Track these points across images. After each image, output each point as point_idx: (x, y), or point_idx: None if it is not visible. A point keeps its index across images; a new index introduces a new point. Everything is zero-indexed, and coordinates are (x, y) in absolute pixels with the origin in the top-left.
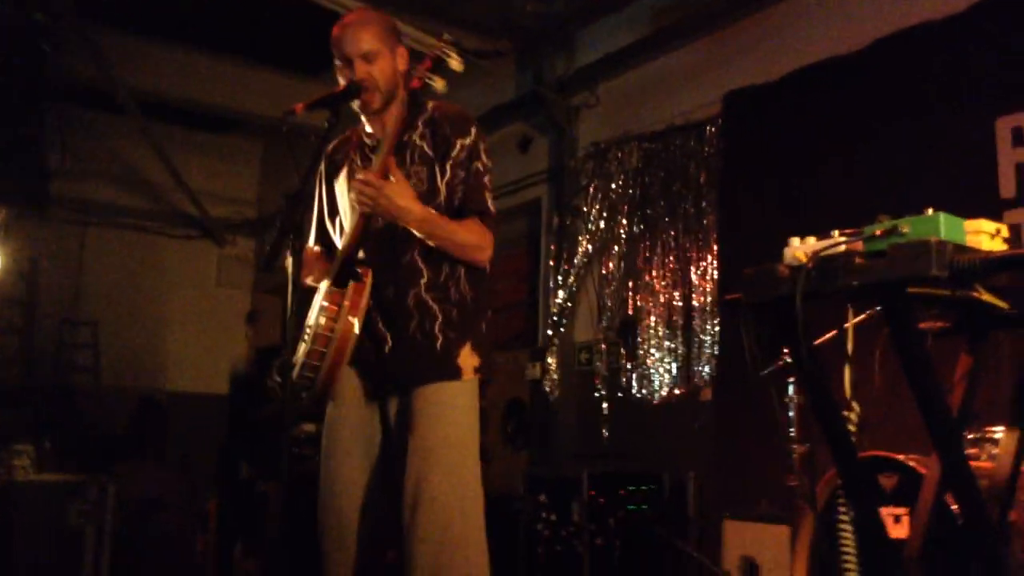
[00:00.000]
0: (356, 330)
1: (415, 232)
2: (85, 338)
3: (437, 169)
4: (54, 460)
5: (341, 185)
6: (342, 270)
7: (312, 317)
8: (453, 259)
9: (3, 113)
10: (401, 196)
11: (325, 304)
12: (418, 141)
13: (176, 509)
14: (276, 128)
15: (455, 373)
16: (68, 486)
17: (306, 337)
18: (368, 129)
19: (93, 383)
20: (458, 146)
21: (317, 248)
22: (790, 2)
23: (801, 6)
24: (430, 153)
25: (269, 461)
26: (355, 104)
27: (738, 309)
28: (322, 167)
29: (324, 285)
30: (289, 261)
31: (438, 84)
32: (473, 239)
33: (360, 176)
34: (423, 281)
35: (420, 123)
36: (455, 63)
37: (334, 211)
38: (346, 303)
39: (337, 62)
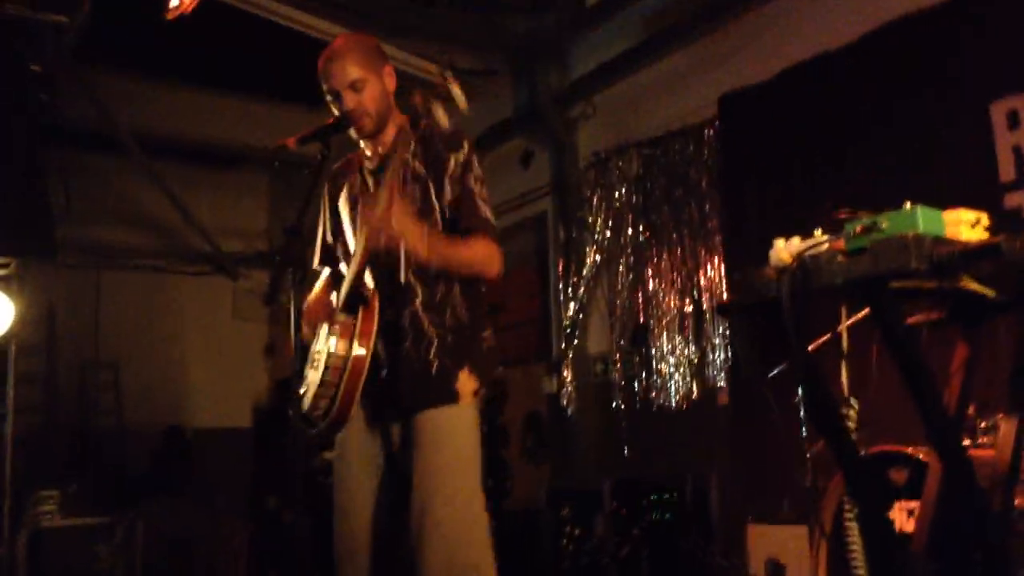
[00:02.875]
0: (368, 356)
1: (423, 258)
2: (106, 380)
3: (432, 186)
4: (80, 504)
5: (344, 207)
6: (351, 295)
7: (320, 344)
8: (448, 278)
9: (5, 165)
10: (409, 232)
11: (336, 330)
12: (411, 160)
13: (207, 545)
14: (282, 162)
15: (453, 398)
16: (96, 528)
17: (316, 365)
18: (367, 152)
19: (116, 424)
20: (452, 161)
21: (318, 292)
22: (777, 2)
23: (791, 4)
24: (423, 172)
25: (296, 492)
26: (351, 132)
27: (730, 314)
28: (325, 190)
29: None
30: (292, 295)
31: (441, 119)
32: (481, 256)
33: (373, 221)
34: (418, 301)
35: (413, 142)
36: (460, 101)
37: (337, 233)
38: (357, 329)
39: (326, 95)
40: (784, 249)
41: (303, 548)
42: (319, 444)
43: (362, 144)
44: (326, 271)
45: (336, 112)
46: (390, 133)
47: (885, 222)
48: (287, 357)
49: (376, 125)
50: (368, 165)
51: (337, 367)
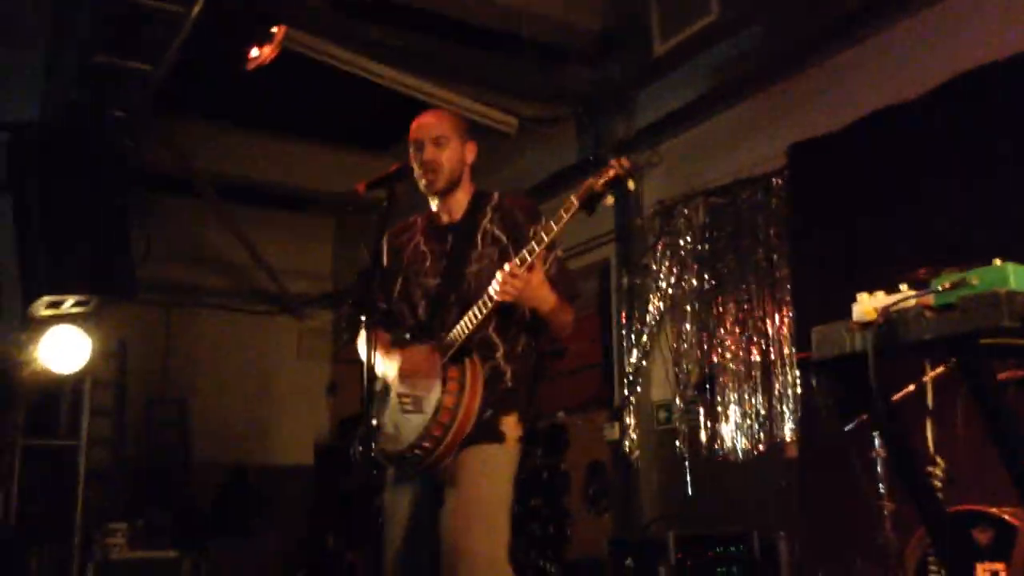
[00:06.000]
0: (478, 404)
1: (544, 315)
2: (173, 415)
3: (511, 251)
4: (148, 538)
5: (407, 262)
6: (459, 350)
7: (414, 387)
8: (525, 333)
9: (92, 207)
10: (545, 288)
11: (447, 378)
12: (488, 226)
13: None
14: (347, 206)
15: (499, 437)
16: (163, 563)
17: (407, 408)
18: (442, 215)
19: (182, 460)
20: (531, 232)
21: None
22: (847, 52)
23: (861, 55)
24: (502, 238)
25: (355, 531)
26: (421, 184)
27: (809, 368)
28: (386, 245)
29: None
30: (362, 336)
31: (608, 200)
32: (569, 319)
33: (508, 269)
34: (498, 354)
35: (489, 209)
36: (631, 185)
37: (391, 285)
38: (468, 379)
39: (411, 146)
40: (868, 303)
41: None
42: (383, 485)
43: (433, 206)
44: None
45: (415, 163)
46: (461, 200)
47: (975, 278)
48: (352, 394)
49: (446, 184)
50: (438, 223)
51: (448, 410)
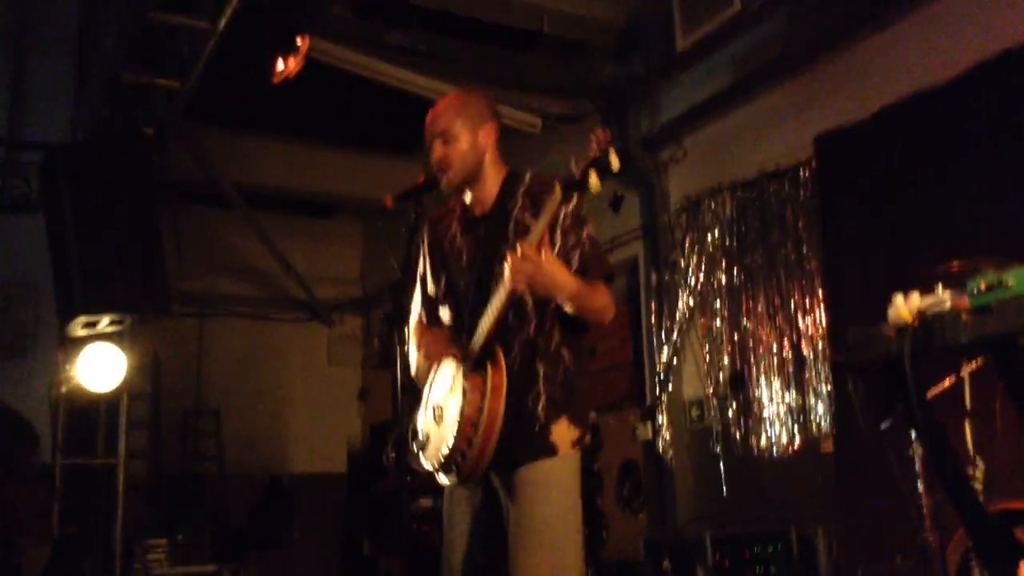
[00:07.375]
0: (501, 409)
1: (565, 305)
2: (208, 427)
3: (547, 240)
4: (187, 552)
5: (449, 254)
6: (484, 347)
7: (443, 397)
8: (561, 329)
9: (124, 226)
10: (560, 271)
11: (467, 387)
12: (519, 215)
13: None
14: (374, 212)
15: (552, 450)
16: None
17: (439, 419)
18: (468, 201)
19: (218, 471)
20: (562, 214)
21: (420, 325)
22: (871, 39)
23: (884, 41)
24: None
25: (390, 537)
26: (441, 184)
27: (844, 371)
28: (425, 239)
29: (449, 365)
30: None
31: (593, 185)
32: (605, 301)
33: (516, 252)
34: (538, 356)
35: (519, 195)
36: (615, 162)
37: (439, 279)
38: (489, 384)
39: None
40: (904, 306)
41: None
42: (417, 490)
43: (466, 198)
44: (415, 311)
45: (431, 159)
46: (491, 186)
47: (1011, 279)
48: (383, 400)
49: (460, 179)
50: (471, 214)
51: (470, 423)
